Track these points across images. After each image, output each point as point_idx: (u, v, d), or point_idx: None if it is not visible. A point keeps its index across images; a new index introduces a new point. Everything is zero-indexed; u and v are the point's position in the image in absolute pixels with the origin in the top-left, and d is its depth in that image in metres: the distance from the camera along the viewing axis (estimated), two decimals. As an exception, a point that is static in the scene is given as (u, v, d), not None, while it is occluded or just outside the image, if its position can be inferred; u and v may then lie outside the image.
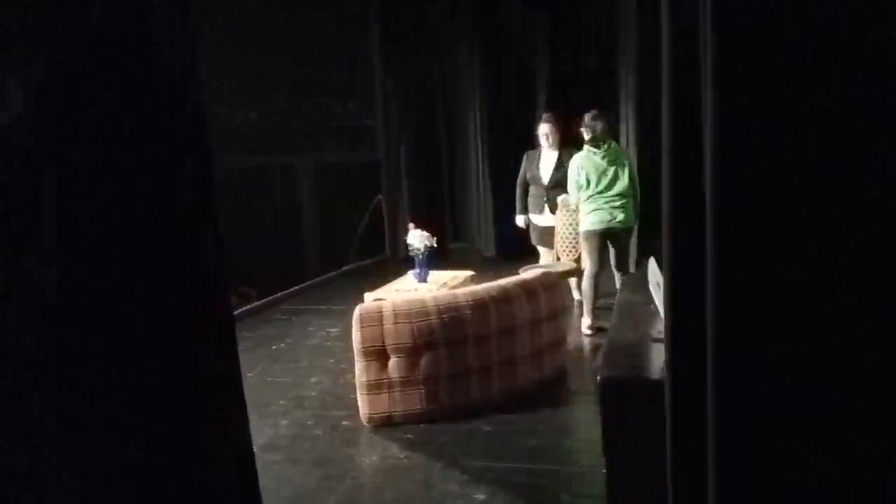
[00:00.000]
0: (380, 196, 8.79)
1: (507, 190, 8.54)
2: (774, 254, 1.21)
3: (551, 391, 4.09)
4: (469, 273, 5.71)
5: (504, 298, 3.87)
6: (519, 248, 7.63)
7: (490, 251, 8.58)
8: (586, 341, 4.95)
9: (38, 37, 1.06)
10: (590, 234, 5.03)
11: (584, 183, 5.01)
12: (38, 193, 1.04)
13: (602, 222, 4.99)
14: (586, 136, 5.06)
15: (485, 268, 6.88)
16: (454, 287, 4.96)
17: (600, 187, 4.98)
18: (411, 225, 5.40)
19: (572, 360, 4.52)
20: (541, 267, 5.46)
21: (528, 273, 4.62)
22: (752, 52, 1.18)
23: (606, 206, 4.97)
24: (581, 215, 5.10)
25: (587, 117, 5.04)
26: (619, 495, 2.04)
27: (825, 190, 1.19)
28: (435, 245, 5.21)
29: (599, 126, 4.99)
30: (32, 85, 1.06)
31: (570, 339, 4.66)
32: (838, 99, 1.16)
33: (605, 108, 7.69)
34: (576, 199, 5.12)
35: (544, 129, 5.68)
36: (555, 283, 4.30)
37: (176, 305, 1.17)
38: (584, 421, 3.66)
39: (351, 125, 8.80)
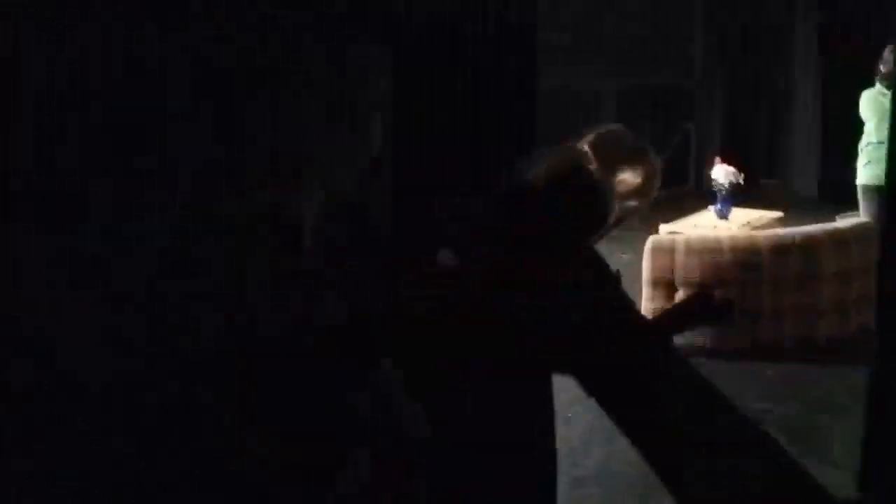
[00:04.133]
0: (689, 124, 8.50)
1: (837, 122, 7.63)
2: None
3: (854, 349, 3.83)
4: (777, 214, 5.40)
5: (809, 245, 3.69)
6: (844, 191, 6.86)
7: (810, 191, 7.83)
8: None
9: None
10: (864, 190, 4.38)
11: (866, 124, 4.34)
12: None
13: (878, 178, 4.14)
14: (882, 72, 4.28)
15: (799, 210, 6.37)
16: (758, 227, 4.78)
17: (881, 136, 4.14)
18: (717, 158, 5.25)
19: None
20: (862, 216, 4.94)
21: (844, 221, 4.26)
22: None
23: (885, 158, 4.18)
24: (859, 166, 4.44)
25: (886, 50, 4.21)
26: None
27: None
28: (742, 182, 5.02)
29: (893, 60, 4.14)
30: None
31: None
32: None
33: None
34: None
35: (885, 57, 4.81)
36: (871, 235, 3.92)
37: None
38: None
39: (663, 46, 8.53)
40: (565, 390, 3.57)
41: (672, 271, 3.73)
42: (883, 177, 4.26)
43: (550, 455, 1.44)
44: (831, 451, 2.84)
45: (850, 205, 5.54)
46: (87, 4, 0.33)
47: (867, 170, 4.41)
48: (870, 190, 4.39)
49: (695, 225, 5.04)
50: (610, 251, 5.93)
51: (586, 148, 0.48)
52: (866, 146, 4.42)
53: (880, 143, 4.22)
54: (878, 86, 4.37)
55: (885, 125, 4.26)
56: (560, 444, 2.81)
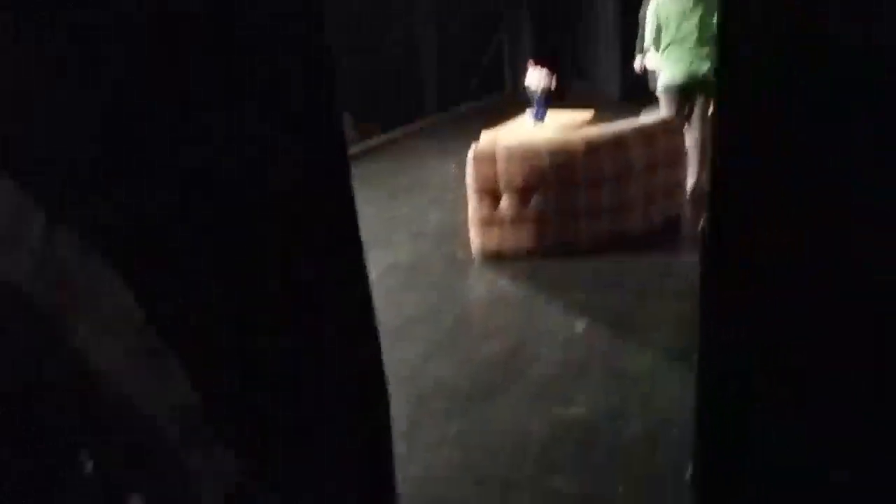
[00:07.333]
0: (501, 35, 8.54)
1: (635, 28, 8.05)
2: None
3: (662, 236, 4.12)
4: (588, 114, 5.60)
5: (619, 142, 3.84)
6: (643, 91, 7.27)
7: (615, 93, 8.25)
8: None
9: None
10: (667, 89, 4.37)
11: (663, 27, 4.30)
12: None
13: (682, 75, 4.27)
14: None
15: (607, 109, 6.67)
16: (572, 128, 4.92)
17: (682, 33, 4.24)
18: (531, 63, 5.30)
19: (689, 207, 4.48)
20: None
21: (648, 118, 4.49)
22: None
23: (688, 55, 4.24)
24: (659, 66, 4.41)
25: None
26: (708, 333, 2.14)
27: None
28: (554, 85, 5.11)
29: None
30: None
31: (690, 187, 4.57)
32: None
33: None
34: (648, 45, 4.44)
35: None
36: (676, 129, 4.17)
37: (289, 138, 1.15)
38: (691, 265, 3.71)
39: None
40: (398, 314, 3.47)
41: (496, 179, 3.73)
42: (684, 74, 4.43)
43: (379, 381, 1.36)
44: (647, 334, 3.04)
45: (648, 103, 5.89)
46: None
47: (670, 69, 4.35)
48: (671, 90, 4.40)
49: (513, 130, 5.10)
50: (439, 163, 5.90)
51: None
52: (667, 46, 4.35)
53: (682, 40, 4.26)
54: None
55: (687, 24, 4.37)
56: (398, 364, 2.78)
